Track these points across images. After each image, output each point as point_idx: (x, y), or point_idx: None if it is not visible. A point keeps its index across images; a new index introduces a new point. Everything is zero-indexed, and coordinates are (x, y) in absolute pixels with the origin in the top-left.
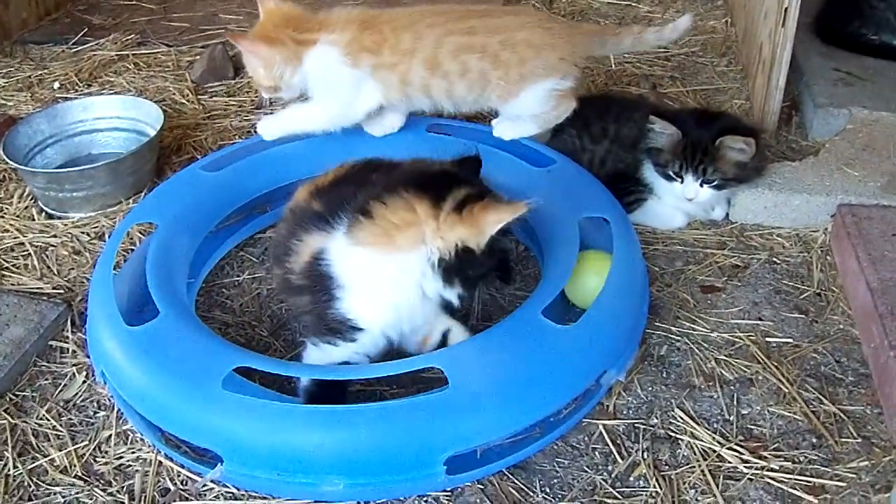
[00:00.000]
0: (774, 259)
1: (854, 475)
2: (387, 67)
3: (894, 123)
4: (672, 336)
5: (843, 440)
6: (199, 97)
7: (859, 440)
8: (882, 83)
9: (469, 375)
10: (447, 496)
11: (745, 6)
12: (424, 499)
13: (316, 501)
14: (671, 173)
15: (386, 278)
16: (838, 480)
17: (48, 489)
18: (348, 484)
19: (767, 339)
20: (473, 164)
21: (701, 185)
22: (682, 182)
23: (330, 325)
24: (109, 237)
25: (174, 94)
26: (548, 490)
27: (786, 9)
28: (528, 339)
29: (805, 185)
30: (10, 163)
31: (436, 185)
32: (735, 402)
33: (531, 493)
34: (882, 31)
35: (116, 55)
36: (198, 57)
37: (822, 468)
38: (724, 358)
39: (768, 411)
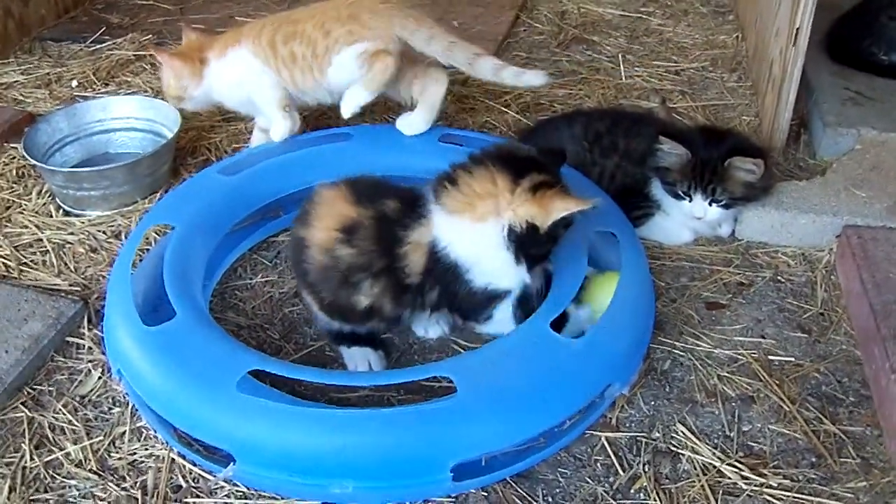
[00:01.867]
0: (779, 278)
1: (852, 495)
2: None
3: None
4: (676, 351)
5: (843, 460)
6: None
7: (858, 461)
8: (892, 103)
9: (477, 385)
10: (451, 502)
11: (756, 23)
12: (429, 503)
13: (324, 503)
14: (680, 192)
15: (477, 244)
16: (836, 500)
17: (63, 482)
18: (357, 487)
19: (770, 356)
20: (558, 157)
21: (710, 205)
22: (690, 201)
23: (477, 303)
24: (128, 238)
25: None
26: (550, 499)
27: (797, 28)
28: (536, 350)
29: (812, 205)
30: (30, 160)
31: (518, 165)
32: (736, 419)
33: (534, 502)
34: (893, 51)
35: (134, 55)
36: None
37: (821, 487)
38: (727, 375)
39: (769, 429)
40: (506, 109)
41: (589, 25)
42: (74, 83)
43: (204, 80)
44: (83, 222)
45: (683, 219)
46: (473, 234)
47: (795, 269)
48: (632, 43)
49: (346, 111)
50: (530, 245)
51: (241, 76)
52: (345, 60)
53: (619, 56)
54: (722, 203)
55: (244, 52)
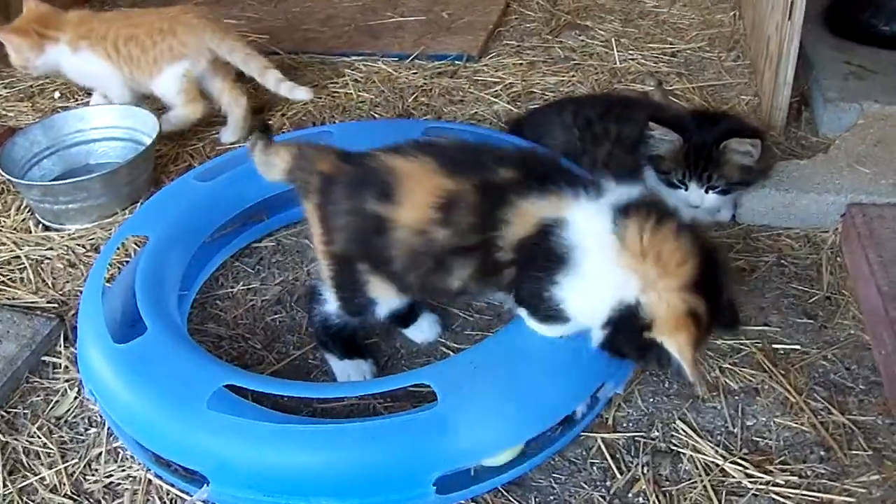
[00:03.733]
0: (782, 261)
1: (864, 490)
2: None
3: None
4: None
5: (853, 453)
6: None
7: (870, 452)
8: (894, 76)
9: (459, 392)
10: None
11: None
12: None
13: None
14: (675, 181)
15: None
16: (847, 496)
17: None
18: None
19: (774, 345)
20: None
21: (706, 192)
22: (686, 190)
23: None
24: (101, 251)
25: None
26: None
27: (792, 1)
28: (521, 352)
29: (814, 185)
30: (6, 176)
31: (704, 264)
32: (740, 414)
33: None
34: (894, 22)
35: None
36: None
37: (831, 482)
38: (729, 366)
39: (774, 422)
40: (495, 100)
41: (582, 10)
42: (57, 94)
43: (46, 53)
44: (62, 237)
45: (680, 206)
46: (601, 273)
47: (799, 251)
48: (626, 26)
49: (165, 130)
50: (620, 337)
51: (94, 72)
52: (168, 78)
53: (613, 40)
54: (718, 189)
55: (95, 55)
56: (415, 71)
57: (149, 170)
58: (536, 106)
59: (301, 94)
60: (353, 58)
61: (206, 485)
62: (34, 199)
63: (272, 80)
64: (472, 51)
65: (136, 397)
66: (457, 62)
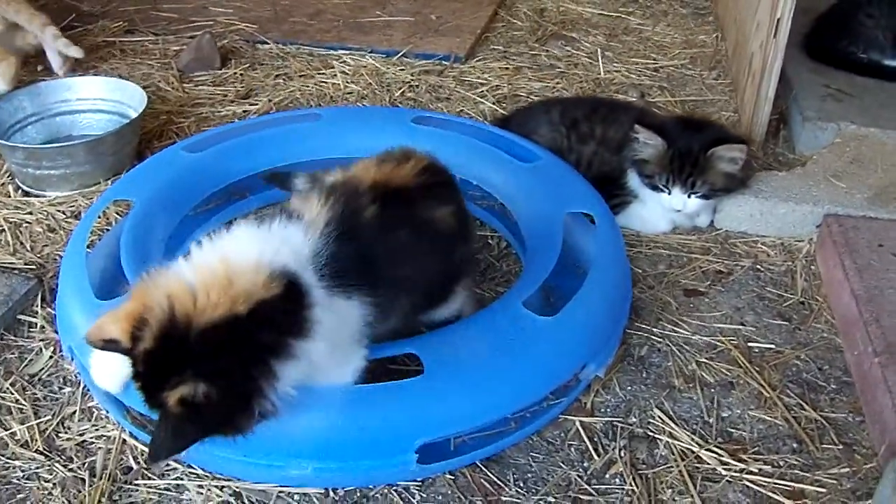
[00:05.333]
0: (758, 267)
1: (835, 481)
2: None
3: (882, 139)
4: (653, 337)
5: (825, 446)
6: (184, 85)
7: (840, 447)
8: (870, 100)
9: (445, 363)
10: (417, 486)
11: (736, 19)
12: (394, 488)
13: (282, 486)
14: (659, 185)
15: None
16: (819, 486)
17: (7, 462)
18: (316, 468)
19: (749, 344)
20: None
21: (689, 197)
22: (669, 193)
23: None
24: (86, 211)
25: (159, 81)
26: (521, 484)
27: (778, 19)
28: (508, 328)
29: (792, 195)
30: None
31: None
32: (715, 405)
33: (504, 487)
34: (871, 50)
35: (103, 41)
36: (185, 46)
37: (803, 473)
38: (705, 361)
39: (748, 415)
40: (481, 100)
41: (568, 23)
42: (39, 67)
43: None
44: (42, 202)
45: (661, 208)
46: None
47: (775, 258)
48: (611, 41)
49: None
50: None
51: None
52: None
53: (598, 52)
54: (701, 195)
55: None
56: (402, 67)
57: (134, 142)
58: (524, 105)
59: (74, 51)
60: (341, 51)
61: None
62: (17, 162)
63: (49, 36)
64: (459, 52)
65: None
66: (444, 62)
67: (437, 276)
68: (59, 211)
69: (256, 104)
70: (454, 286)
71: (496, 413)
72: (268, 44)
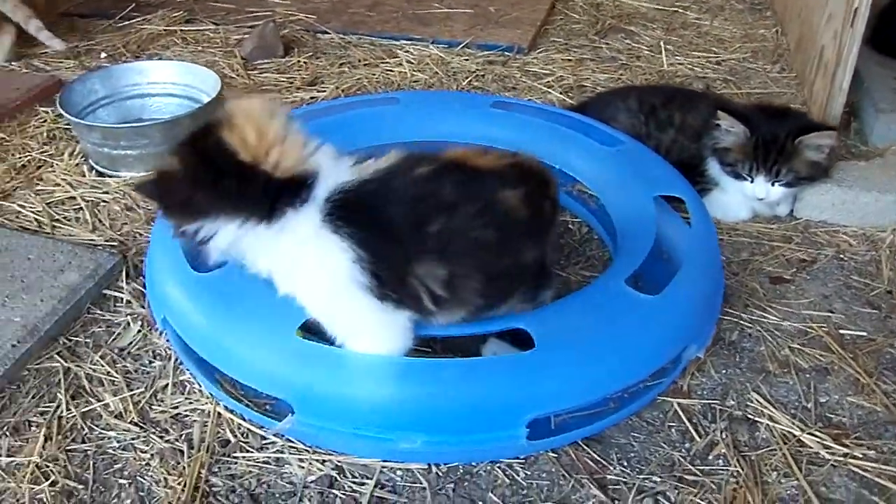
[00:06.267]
0: (841, 256)
1: None
2: None
3: None
4: (743, 323)
5: None
6: (249, 73)
7: None
8: None
9: (556, 338)
10: (521, 464)
11: (800, 14)
12: (497, 465)
13: (385, 461)
14: (741, 173)
15: None
16: None
17: (102, 433)
18: (425, 441)
19: (840, 330)
20: None
21: (772, 185)
22: (752, 182)
23: None
24: None
25: (224, 68)
26: (625, 463)
27: (856, 8)
28: (614, 306)
29: (874, 184)
30: (68, 116)
31: None
32: (812, 390)
33: (608, 465)
34: None
35: (164, 30)
36: (245, 36)
37: None
38: (798, 347)
39: (847, 401)
40: (548, 90)
41: (624, 17)
42: (104, 55)
43: None
44: (117, 182)
45: (742, 196)
46: None
47: (858, 248)
48: (669, 34)
49: None
50: None
51: None
52: None
53: (661, 44)
54: (784, 183)
55: None
56: (466, 58)
57: None
58: (596, 93)
59: (56, 44)
60: (403, 41)
61: (290, 415)
62: (93, 142)
63: (33, 28)
64: (522, 43)
65: (221, 325)
66: (507, 53)
67: (492, 262)
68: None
69: (324, 91)
70: (514, 289)
71: (607, 389)
72: (328, 34)
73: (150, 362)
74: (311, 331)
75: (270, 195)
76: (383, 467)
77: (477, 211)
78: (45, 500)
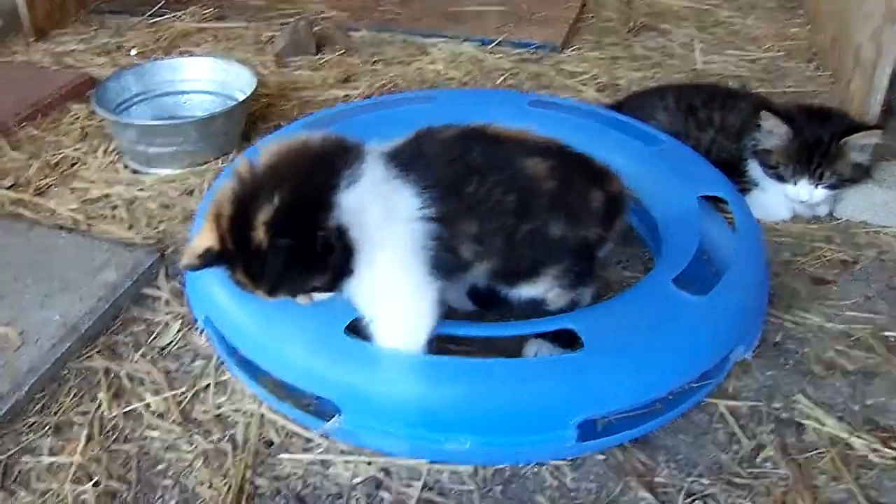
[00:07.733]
0: (882, 258)
1: None
2: None
3: None
4: (787, 324)
5: None
6: (282, 70)
7: None
8: None
9: (605, 339)
10: (569, 465)
11: (834, 14)
12: (545, 467)
13: (432, 463)
14: (784, 176)
15: None
16: None
17: (145, 433)
18: (475, 443)
19: (884, 332)
20: None
21: (815, 188)
22: (795, 185)
23: None
24: (213, 184)
25: (256, 65)
26: (673, 465)
27: None
28: (663, 307)
29: None
30: (104, 113)
31: None
32: (858, 393)
33: (656, 467)
34: None
35: (195, 27)
36: (277, 33)
37: None
38: (843, 348)
39: (894, 403)
40: (583, 87)
41: (656, 15)
42: (134, 52)
43: None
44: (153, 180)
45: (783, 197)
46: None
47: None
48: (702, 32)
49: None
50: None
51: None
52: None
53: (694, 43)
54: (828, 185)
55: None
56: (499, 56)
57: (242, 123)
58: (632, 92)
59: None
60: (435, 39)
61: (337, 415)
62: (129, 139)
63: None
64: (555, 41)
65: (265, 324)
66: (540, 51)
67: (513, 229)
68: (171, 187)
69: (358, 88)
70: (544, 265)
71: (657, 391)
72: (360, 31)
73: (192, 362)
74: (358, 332)
75: None
76: (430, 469)
77: (505, 177)
78: (88, 500)
